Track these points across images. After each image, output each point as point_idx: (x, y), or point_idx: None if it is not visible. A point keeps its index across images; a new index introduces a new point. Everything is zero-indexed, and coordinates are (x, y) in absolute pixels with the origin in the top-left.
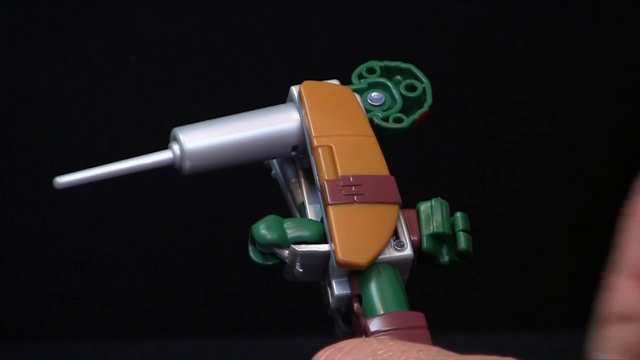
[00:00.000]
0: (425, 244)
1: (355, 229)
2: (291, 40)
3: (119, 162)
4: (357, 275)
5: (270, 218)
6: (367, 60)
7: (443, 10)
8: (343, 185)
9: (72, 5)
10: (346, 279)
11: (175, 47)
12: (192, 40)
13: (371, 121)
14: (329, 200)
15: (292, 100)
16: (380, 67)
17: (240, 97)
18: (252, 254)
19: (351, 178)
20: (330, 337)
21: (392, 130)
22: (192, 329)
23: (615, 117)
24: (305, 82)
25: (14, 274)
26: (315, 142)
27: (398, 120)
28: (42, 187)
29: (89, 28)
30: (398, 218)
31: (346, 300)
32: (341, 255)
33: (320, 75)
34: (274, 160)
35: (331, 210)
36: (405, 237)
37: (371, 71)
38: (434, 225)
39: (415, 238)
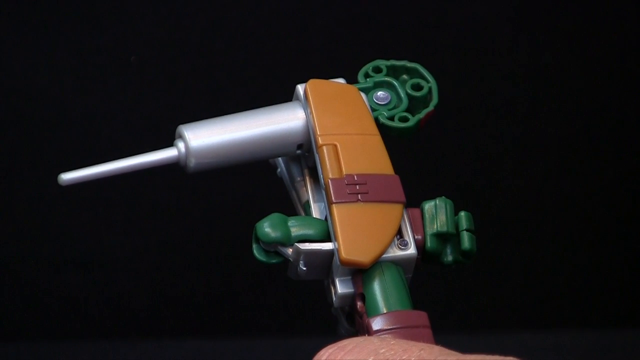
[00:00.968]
0: (429, 243)
1: (359, 228)
2: (296, 39)
3: (124, 159)
4: (360, 274)
5: (275, 216)
6: (373, 59)
7: (444, 9)
8: (347, 184)
9: (72, 5)
10: (349, 277)
11: (175, 47)
12: (192, 40)
13: (377, 120)
14: (333, 198)
15: (297, 98)
16: (387, 66)
17: (242, 96)
18: (256, 252)
19: (355, 177)
20: (331, 336)
21: (397, 130)
22: (192, 329)
23: (616, 117)
24: (311, 81)
25: (14, 274)
26: (320, 141)
27: (404, 119)
28: (42, 186)
29: (89, 28)
30: (402, 217)
31: (349, 299)
32: (344, 254)
33: (326, 73)
34: (280, 159)
35: (335, 208)
36: (409, 236)
37: (377, 70)
38: (438, 224)
39: (419, 237)
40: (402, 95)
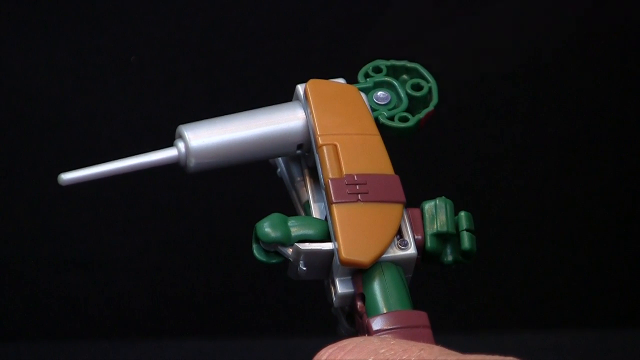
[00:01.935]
0: (429, 243)
1: (359, 228)
2: (296, 39)
3: (124, 159)
4: (360, 274)
5: (275, 216)
6: (373, 59)
7: (444, 9)
8: (347, 184)
9: (72, 5)
10: (350, 277)
11: (175, 47)
12: (192, 40)
13: (377, 120)
14: (333, 198)
15: (297, 98)
16: (387, 66)
17: (242, 96)
18: (256, 252)
19: (355, 177)
20: (331, 336)
21: (397, 130)
22: (192, 329)
23: (616, 117)
24: (311, 81)
25: (14, 274)
26: (320, 141)
27: (404, 119)
28: (42, 186)
29: (89, 28)
30: (402, 217)
31: (349, 299)
32: (344, 254)
33: (326, 73)
34: (280, 159)
35: (335, 208)
36: (409, 236)
37: (377, 70)
38: (438, 224)
39: (419, 237)
40: (402, 95)
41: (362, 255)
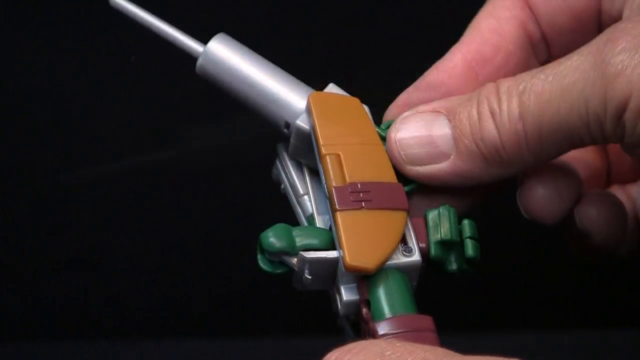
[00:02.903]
0: (433, 251)
1: (363, 234)
2: (296, 39)
3: (162, 22)
4: (365, 280)
5: (279, 226)
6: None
7: (444, 9)
8: (351, 192)
9: (72, 5)
10: (354, 285)
11: (175, 47)
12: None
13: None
14: (336, 205)
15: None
16: None
17: None
18: (261, 263)
19: (359, 185)
20: (331, 336)
21: None
22: (192, 329)
23: None
24: (313, 94)
25: (14, 274)
26: (323, 150)
27: None
28: (42, 187)
29: (89, 28)
30: (406, 224)
31: (355, 307)
32: (349, 260)
33: (326, 74)
34: (283, 174)
35: (339, 215)
36: (413, 243)
37: None
38: (442, 232)
39: (424, 245)
40: None
41: (367, 261)
